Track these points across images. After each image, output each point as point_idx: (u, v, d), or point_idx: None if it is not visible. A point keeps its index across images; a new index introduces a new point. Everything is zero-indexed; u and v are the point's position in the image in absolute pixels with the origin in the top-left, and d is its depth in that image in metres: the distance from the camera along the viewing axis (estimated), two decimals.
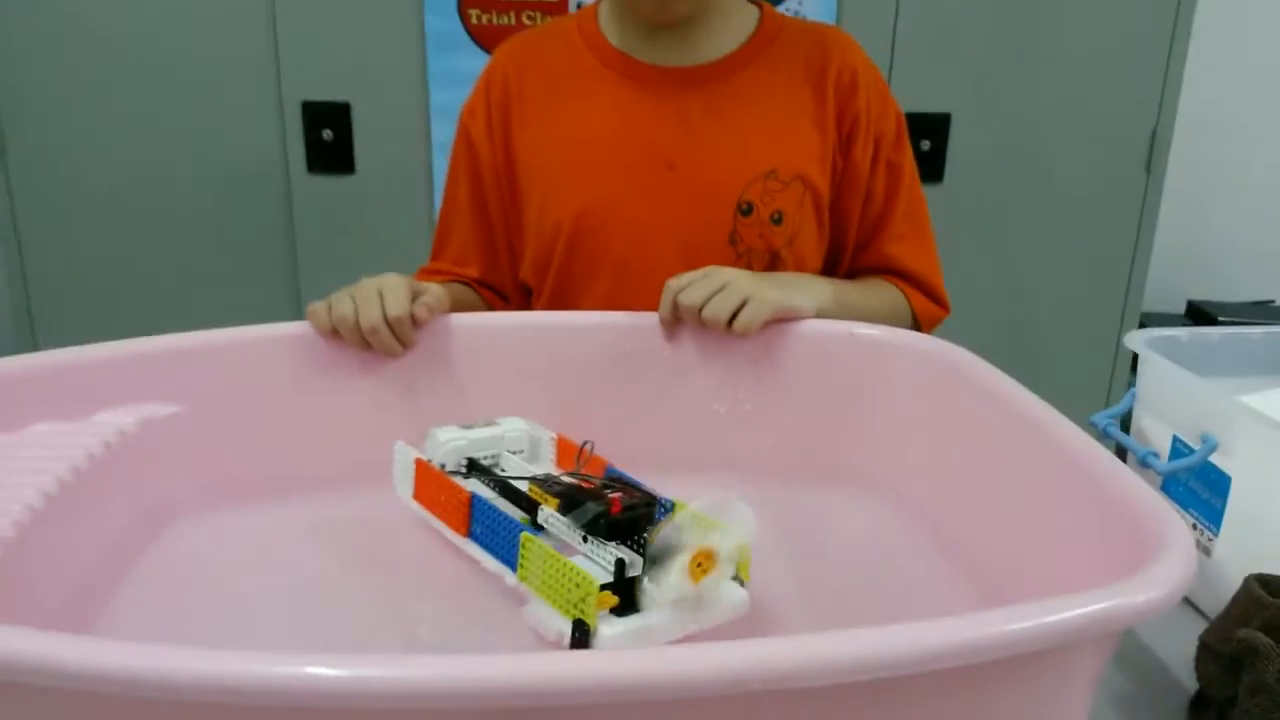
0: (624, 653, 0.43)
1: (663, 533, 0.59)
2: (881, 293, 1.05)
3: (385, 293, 0.82)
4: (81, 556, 0.70)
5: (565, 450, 0.80)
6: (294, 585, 0.72)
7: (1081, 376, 1.98)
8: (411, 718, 0.43)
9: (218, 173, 1.79)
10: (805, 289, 0.92)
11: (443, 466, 0.76)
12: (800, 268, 1.02)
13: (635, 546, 0.64)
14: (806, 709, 0.46)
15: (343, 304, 0.82)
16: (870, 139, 1.02)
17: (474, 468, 0.77)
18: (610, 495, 0.65)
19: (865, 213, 1.04)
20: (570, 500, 0.67)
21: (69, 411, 0.76)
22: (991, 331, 0.83)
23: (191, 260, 1.83)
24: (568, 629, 0.59)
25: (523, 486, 0.72)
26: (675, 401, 0.88)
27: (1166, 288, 2.34)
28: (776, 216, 0.98)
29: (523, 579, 0.64)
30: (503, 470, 0.77)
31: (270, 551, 0.77)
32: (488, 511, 0.69)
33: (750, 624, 0.67)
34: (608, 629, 0.58)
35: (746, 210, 0.98)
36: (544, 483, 0.70)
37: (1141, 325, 2.02)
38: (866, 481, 0.84)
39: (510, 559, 0.66)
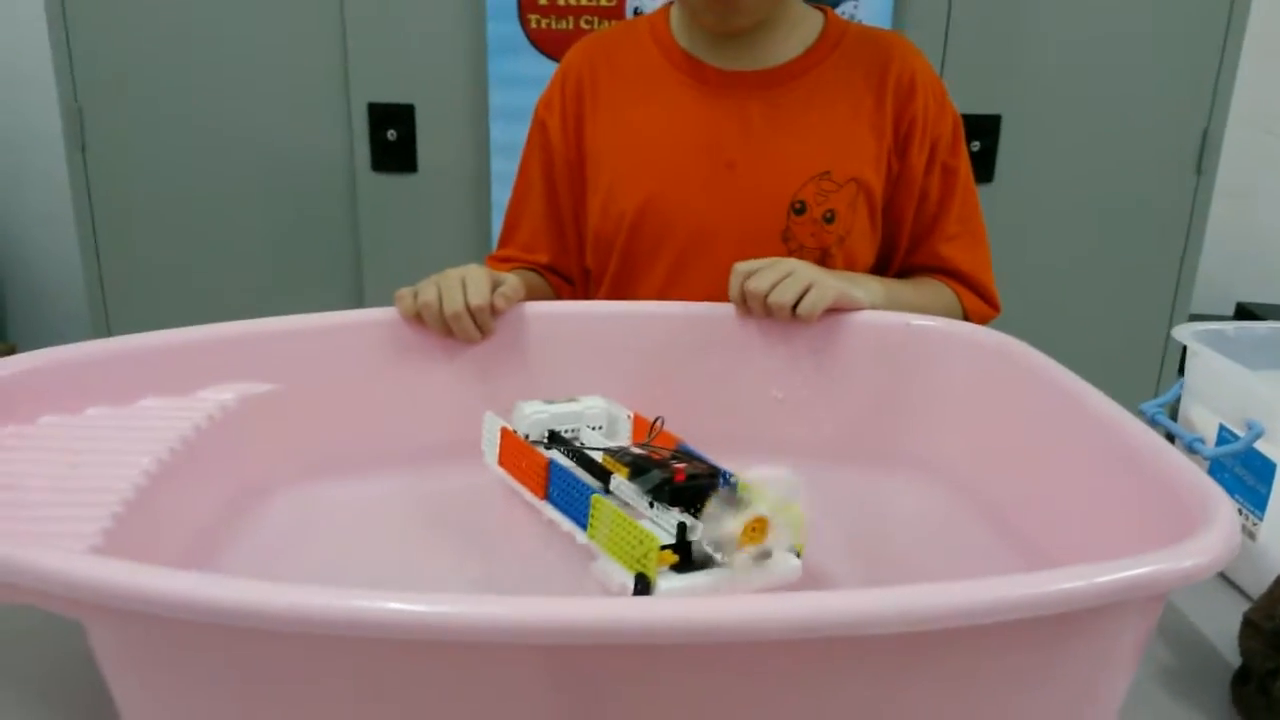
0: (696, 599, 0.48)
1: (719, 499, 0.63)
2: (933, 291, 1.09)
3: (469, 282, 0.87)
4: (189, 521, 0.76)
5: (641, 427, 0.85)
6: (382, 549, 0.78)
7: (1129, 377, 1.99)
8: (486, 654, 0.48)
9: (287, 172, 1.86)
10: (860, 283, 0.96)
11: (526, 436, 0.81)
12: (851, 266, 1.06)
13: (696, 513, 0.68)
14: (852, 660, 0.50)
15: (428, 291, 0.87)
16: (926, 142, 1.05)
17: (555, 439, 0.82)
18: (676, 465, 0.70)
19: (919, 214, 1.08)
20: (639, 468, 0.72)
21: (174, 388, 0.81)
22: (1039, 331, 0.86)
23: (260, 256, 1.90)
24: (631, 582, 0.64)
25: (597, 456, 0.77)
26: (736, 387, 0.92)
27: (1215, 289, 2.35)
28: (829, 216, 1.02)
29: (591, 537, 0.70)
30: (581, 443, 0.82)
31: (360, 521, 0.82)
32: (563, 476, 0.75)
33: (803, 589, 0.71)
34: (665, 583, 0.64)
35: (800, 209, 1.02)
36: (616, 453, 0.76)
37: None
38: (920, 464, 0.87)
39: (582, 519, 0.71)
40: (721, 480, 0.71)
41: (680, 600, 0.47)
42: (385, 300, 0.90)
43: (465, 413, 0.87)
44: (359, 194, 1.86)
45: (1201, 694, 0.70)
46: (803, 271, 0.89)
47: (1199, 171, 1.91)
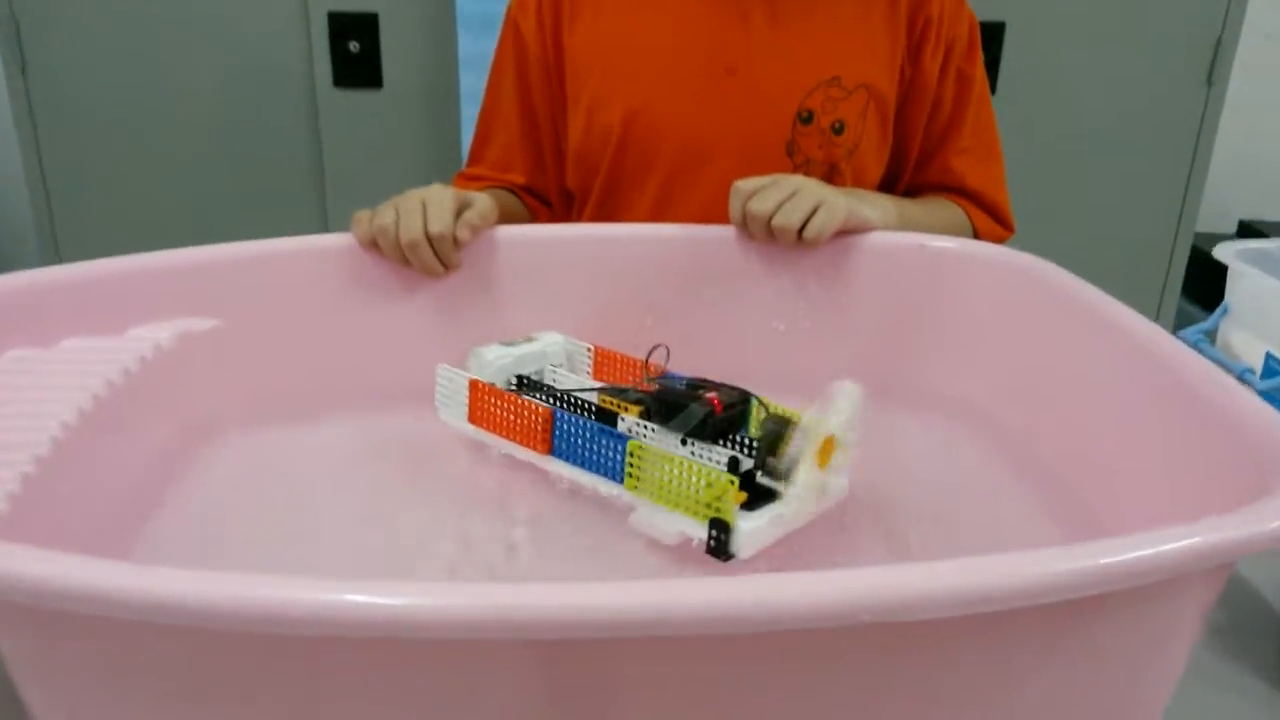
0: (742, 580, 0.39)
1: (769, 423, 0.62)
2: (943, 211, 1.00)
3: (429, 205, 0.77)
4: (121, 475, 0.67)
5: (604, 361, 0.77)
6: (341, 508, 0.69)
7: (1133, 297, 1.92)
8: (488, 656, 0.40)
9: (242, 88, 1.73)
10: (871, 201, 0.87)
11: (492, 385, 0.72)
12: (859, 182, 0.96)
13: (734, 444, 0.63)
14: (900, 645, 0.43)
15: (385, 214, 0.77)
16: (941, 45, 0.95)
17: (524, 384, 0.73)
18: (706, 395, 0.64)
19: (931, 124, 0.98)
20: (665, 406, 0.65)
21: (102, 326, 0.72)
22: (1038, 247, 0.80)
23: (216, 178, 1.78)
24: (696, 530, 0.59)
25: (591, 398, 0.69)
26: (734, 318, 0.84)
27: (1215, 206, 2.26)
28: (838, 126, 0.92)
29: (631, 487, 0.63)
30: (554, 384, 0.73)
31: (316, 474, 0.73)
32: (574, 425, 0.66)
33: (828, 551, 0.64)
34: (746, 523, 0.58)
35: (806, 119, 0.92)
36: (618, 393, 0.68)
37: (1195, 243, 1.95)
38: (940, 402, 0.79)
39: (610, 469, 0.64)
40: (754, 402, 0.66)
41: (743, 581, 0.39)
42: (349, 227, 0.80)
43: (431, 352, 0.78)
44: (320, 112, 1.73)
45: (1252, 652, 0.64)
46: (809, 189, 0.80)
47: (1209, 83, 1.81)
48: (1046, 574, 0.41)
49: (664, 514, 0.61)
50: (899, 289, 0.82)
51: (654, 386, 0.68)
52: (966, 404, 0.79)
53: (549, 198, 1.04)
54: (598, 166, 0.97)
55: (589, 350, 0.78)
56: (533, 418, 0.68)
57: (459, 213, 0.79)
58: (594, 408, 0.68)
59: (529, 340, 0.76)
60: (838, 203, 0.79)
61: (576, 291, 0.83)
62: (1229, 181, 2.27)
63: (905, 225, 0.88)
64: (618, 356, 0.78)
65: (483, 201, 0.80)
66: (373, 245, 0.78)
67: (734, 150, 0.92)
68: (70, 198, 1.78)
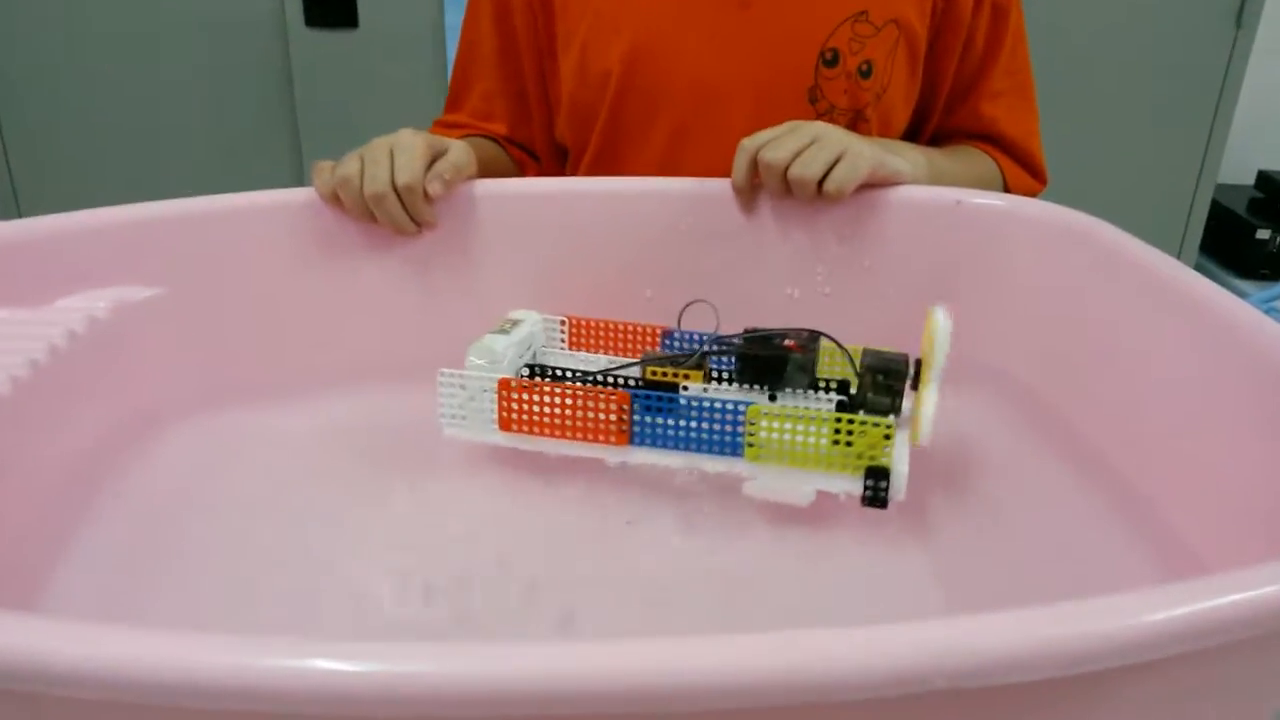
0: (775, 638, 0.31)
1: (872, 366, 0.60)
2: (974, 162, 0.90)
3: (397, 153, 0.68)
4: (48, 473, 0.58)
5: (580, 331, 0.70)
6: (319, 507, 0.61)
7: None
8: None
9: (208, 27, 1.62)
10: (898, 151, 0.77)
11: (535, 381, 0.62)
12: (884, 131, 0.87)
13: (824, 386, 0.62)
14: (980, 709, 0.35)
15: (348, 164, 0.68)
16: None
17: (543, 374, 0.63)
18: (783, 343, 0.62)
19: (963, 63, 0.88)
20: (752, 362, 0.62)
21: (24, 297, 0.63)
22: (1056, 194, 0.74)
23: (183, 125, 1.68)
24: (835, 485, 0.57)
25: (634, 372, 0.63)
26: (744, 284, 0.74)
27: (1234, 154, 2.16)
28: (865, 68, 0.82)
29: (754, 457, 0.58)
30: (554, 366, 0.64)
31: (279, 463, 0.65)
32: (655, 403, 0.59)
33: (860, 556, 0.56)
34: (903, 465, 0.56)
35: (831, 60, 0.82)
36: (664, 362, 0.63)
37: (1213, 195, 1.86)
38: (979, 377, 0.71)
39: (721, 444, 0.59)
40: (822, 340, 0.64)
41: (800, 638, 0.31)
42: None
43: (403, 322, 0.70)
44: (293, 53, 1.62)
45: None
46: (831, 137, 0.70)
47: (1238, 25, 1.71)
48: (1162, 622, 0.33)
49: (789, 476, 0.58)
50: (930, 250, 0.73)
51: (711, 346, 0.64)
52: (1008, 380, 0.71)
53: (536, 150, 0.95)
54: (593, 116, 0.86)
55: (563, 322, 0.69)
56: (606, 407, 0.59)
57: (431, 162, 0.69)
58: (641, 382, 0.61)
59: (516, 323, 0.67)
60: (863, 152, 0.70)
61: (567, 256, 0.74)
62: (1247, 130, 2.18)
63: (936, 179, 0.79)
64: (597, 325, 0.69)
65: (458, 151, 0.71)
66: (335, 199, 0.68)
67: (749, 97, 0.82)
68: (29, 149, 1.68)
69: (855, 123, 0.83)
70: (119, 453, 0.63)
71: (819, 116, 0.83)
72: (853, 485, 0.57)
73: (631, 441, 0.60)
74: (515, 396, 0.60)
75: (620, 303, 0.74)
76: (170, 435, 0.66)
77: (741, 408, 0.57)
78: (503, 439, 0.62)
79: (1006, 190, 0.91)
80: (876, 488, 0.56)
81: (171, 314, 0.67)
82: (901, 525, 0.60)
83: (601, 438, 0.60)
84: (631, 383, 0.61)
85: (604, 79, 0.83)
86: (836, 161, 0.69)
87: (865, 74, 0.82)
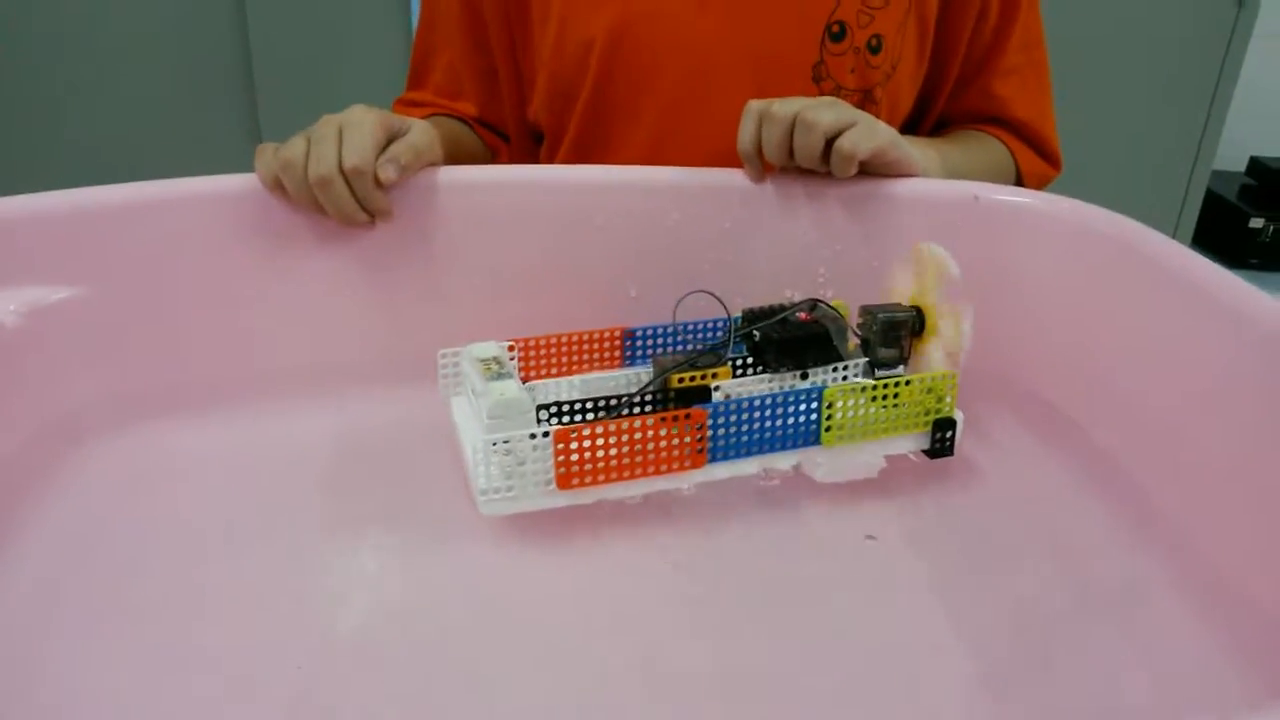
0: None
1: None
2: (984, 151, 0.83)
3: (347, 133, 0.60)
4: None
5: (538, 355, 0.61)
6: (265, 537, 0.53)
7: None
8: None
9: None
10: (911, 143, 0.70)
11: (589, 424, 0.52)
12: (893, 115, 0.79)
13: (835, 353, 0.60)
14: None
15: (292, 145, 0.60)
16: None
17: (563, 413, 0.55)
18: (796, 318, 0.60)
19: (975, 37, 0.81)
20: (780, 345, 0.59)
21: None
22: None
23: (131, 90, 1.57)
24: (901, 446, 0.58)
25: (658, 387, 0.56)
26: (737, 282, 0.67)
27: (1227, 139, 2.11)
28: (874, 43, 0.75)
29: (830, 441, 0.56)
30: (561, 402, 0.55)
31: (215, 485, 0.57)
32: (732, 412, 0.54)
33: (859, 611, 0.49)
34: (960, 412, 0.58)
35: (838, 34, 0.74)
36: (680, 365, 0.57)
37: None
38: (998, 393, 0.65)
39: (796, 437, 0.56)
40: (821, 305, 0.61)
41: None
42: None
43: (354, 327, 0.63)
44: (249, 11, 1.52)
45: None
46: (845, 104, 0.64)
47: (1240, 4, 1.65)
48: None
49: (866, 449, 0.57)
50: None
51: (722, 340, 0.61)
52: (1024, 393, 0.64)
53: (508, 132, 0.86)
54: (573, 96, 0.78)
55: (509, 346, 0.60)
56: (682, 430, 0.53)
57: (387, 144, 0.61)
58: (671, 394, 0.56)
59: (498, 361, 0.56)
60: (879, 125, 0.63)
61: (543, 252, 0.66)
62: (1241, 113, 2.12)
63: (949, 176, 0.72)
64: (549, 343, 0.61)
65: (419, 131, 0.63)
66: (277, 186, 0.60)
67: (748, 74, 0.74)
68: None
69: (863, 104, 0.76)
70: (27, 477, 0.55)
71: (823, 95, 0.75)
72: (917, 443, 0.58)
73: (710, 460, 0.54)
74: (575, 447, 0.51)
75: (602, 302, 0.67)
76: (87, 457, 0.58)
77: (814, 393, 0.55)
78: (564, 499, 0.52)
79: (1019, 178, 0.85)
80: (945, 438, 0.58)
81: (91, 318, 0.59)
82: (889, 566, 0.53)
83: (677, 465, 0.53)
84: (659, 397, 0.55)
85: (585, 51, 0.75)
86: (851, 126, 0.62)
87: (875, 50, 0.75)
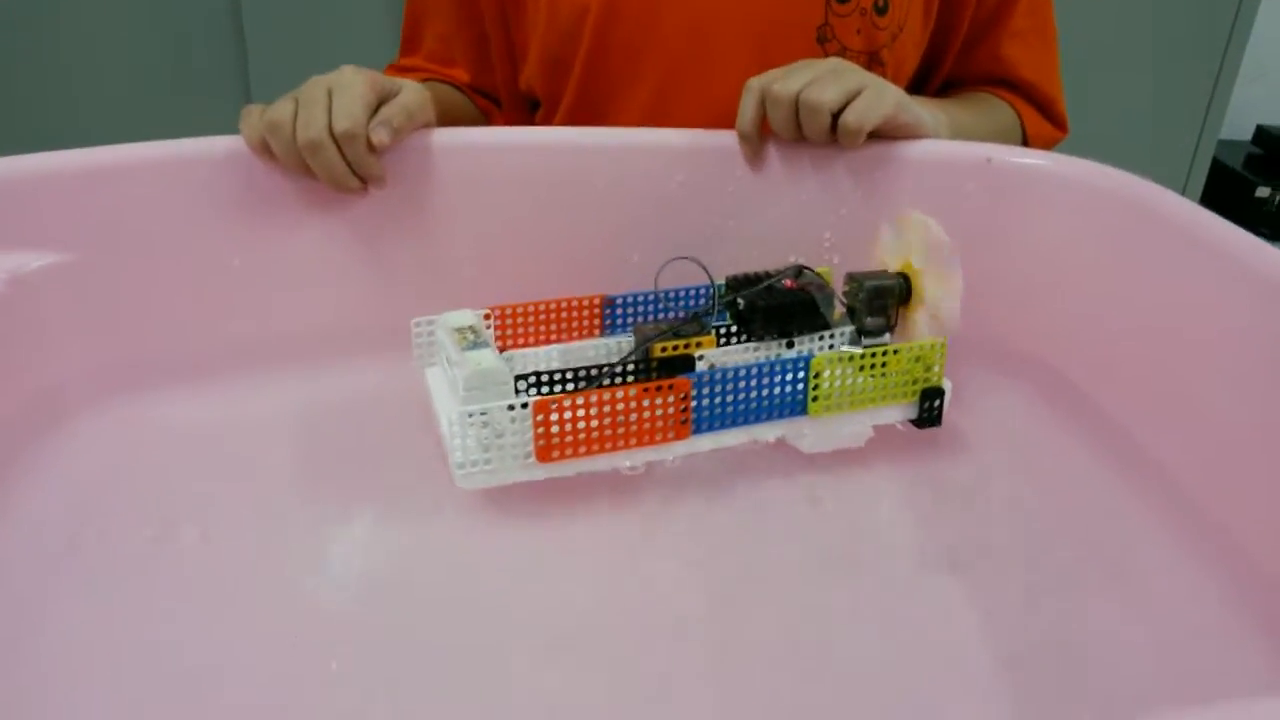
0: None
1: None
2: (991, 114, 0.81)
3: (337, 94, 0.58)
4: None
5: (509, 322, 0.59)
6: (258, 509, 0.52)
7: None
8: None
9: None
10: (920, 103, 0.68)
11: (570, 394, 0.51)
12: (898, 77, 0.77)
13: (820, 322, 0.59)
14: None
15: (280, 107, 0.58)
16: None
17: (540, 384, 0.53)
18: (781, 285, 0.58)
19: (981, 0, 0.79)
20: (763, 313, 0.57)
21: None
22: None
23: (117, 55, 1.54)
24: (889, 416, 0.56)
25: (640, 356, 0.55)
26: (741, 248, 0.65)
27: (1233, 107, 2.08)
28: (880, 4, 0.72)
29: (817, 411, 0.55)
30: (541, 372, 0.53)
31: (206, 455, 0.56)
32: (716, 382, 0.52)
33: (858, 591, 0.48)
34: (949, 380, 0.57)
35: None
36: (662, 335, 0.55)
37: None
38: (1008, 362, 0.63)
39: (781, 407, 0.54)
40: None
41: None
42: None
43: (344, 292, 0.61)
44: None
45: None
46: (849, 70, 0.62)
47: None
48: None
49: (852, 419, 0.56)
50: (955, 215, 0.63)
51: (705, 307, 0.59)
52: (1036, 362, 0.63)
53: (500, 98, 0.84)
54: (568, 64, 0.75)
55: (485, 315, 0.58)
56: (665, 401, 0.51)
57: (377, 106, 0.59)
58: (654, 364, 0.54)
59: (474, 330, 0.54)
60: (886, 88, 0.61)
61: (540, 217, 0.64)
62: (1247, 82, 2.09)
63: (957, 136, 0.70)
64: (526, 311, 0.59)
65: (411, 92, 0.61)
66: (264, 149, 0.58)
67: (750, 37, 0.72)
68: None
69: (869, 66, 0.74)
70: (12, 452, 0.54)
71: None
72: (904, 413, 0.57)
73: (695, 431, 0.53)
74: (555, 419, 0.49)
75: (601, 268, 0.65)
76: (74, 429, 0.56)
77: (801, 362, 0.53)
78: (543, 472, 0.51)
79: (1025, 140, 0.83)
80: (933, 408, 0.56)
81: (76, 284, 0.57)
82: (901, 552, 0.51)
83: (660, 437, 0.52)
84: (641, 367, 0.53)
85: (579, 18, 0.72)
86: (857, 94, 0.60)
87: (881, 10, 0.72)
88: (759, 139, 0.63)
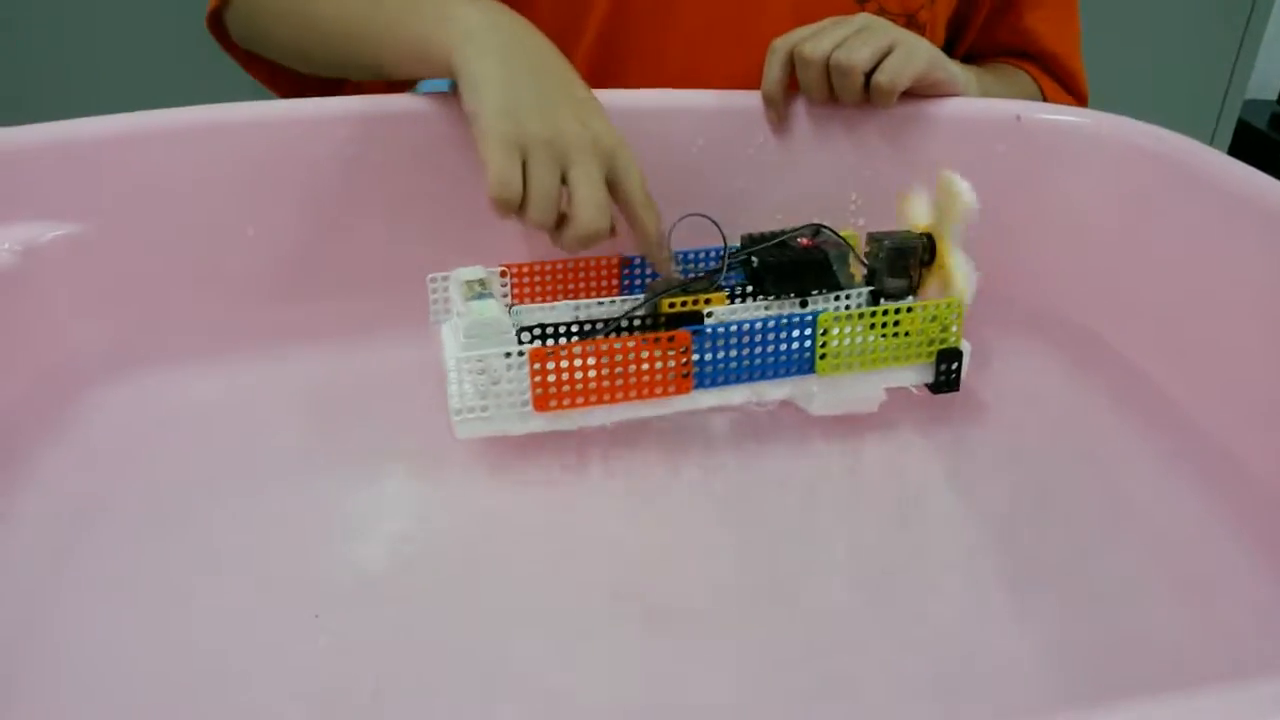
0: None
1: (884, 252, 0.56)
2: (1015, 83, 0.80)
3: (623, 173, 0.53)
4: None
5: (526, 280, 0.58)
6: (294, 489, 0.51)
7: None
8: None
9: None
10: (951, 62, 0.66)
11: (569, 344, 0.50)
12: (931, 41, 0.75)
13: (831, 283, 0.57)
14: None
15: (542, 179, 0.51)
16: None
17: (546, 336, 0.52)
18: (796, 243, 0.57)
19: None
20: (774, 270, 0.55)
21: None
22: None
23: (130, 22, 1.53)
24: (903, 378, 0.54)
25: (647, 311, 0.54)
26: (766, 210, 0.64)
27: (1260, 68, 2.04)
28: None
29: (826, 370, 0.53)
30: (546, 324, 0.52)
31: (234, 434, 0.55)
32: (719, 336, 0.51)
33: (913, 567, 0.47)
34: (967, 343, 0.54)
35: None
36: (670, 290, 0.55)
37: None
38: (1040, 322, 0.62)
39: (789, 365, 0.53)
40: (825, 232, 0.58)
41: None
42: None
43: (366, 263, 0.60)
44: None
45: None
46: (880, 25, 0.60)
47: None
48: None
49: (864, 380, 0.54)
50: (985, 174, 0.62)
51: (719, 264, 0.57)
52: (1077, 328, 0.62)
53: None
54: (585, 17, 0.70)
55: (502, 274, 0.58)
56: (665, 354, 0.50)
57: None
58: (661, 319, 0.53)
59: (483, 283, 0.54)
60: (919, 44, 0.60)
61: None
62: (1272, 41, 2.05)
63: (984, 95, 0.68)
64: (543, 269, 0.58)
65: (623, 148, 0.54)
66: (508, 208, 0.51)
67: (785, 3, 0.69)
68: None
69: (907, 29, 0.72)
70: (28, 424, 0.53)
71: None
72: (920, 375, 0.54)
73: (697, 385, 0.52)
74: (552, 368, 0.49)
75: (622, 229, 0.63)
76: (87, 406, 0.55)
77: (809, 318, 0.51)
78: (541, 423, 0.50)
79: None
80: (950, 371, 0.54)
81: (90, 256, 0.56)
82: (930, 524, 0.50)
83: (660, 390, 0.51)
84: (649, 322, 0.53)
85: None
86: (888, 53, 0.58)
87: None
88: (784, 101, 0.62)
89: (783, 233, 0.58)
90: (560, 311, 0.56)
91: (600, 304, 0.57)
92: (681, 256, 0.59)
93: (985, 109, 0.63)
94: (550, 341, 0.52)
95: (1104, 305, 0.60)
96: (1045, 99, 0.81)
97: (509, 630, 0.42)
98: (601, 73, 0.72)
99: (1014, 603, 0.44)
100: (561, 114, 0.51)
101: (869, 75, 0.59)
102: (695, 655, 0.41)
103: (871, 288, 0.57)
